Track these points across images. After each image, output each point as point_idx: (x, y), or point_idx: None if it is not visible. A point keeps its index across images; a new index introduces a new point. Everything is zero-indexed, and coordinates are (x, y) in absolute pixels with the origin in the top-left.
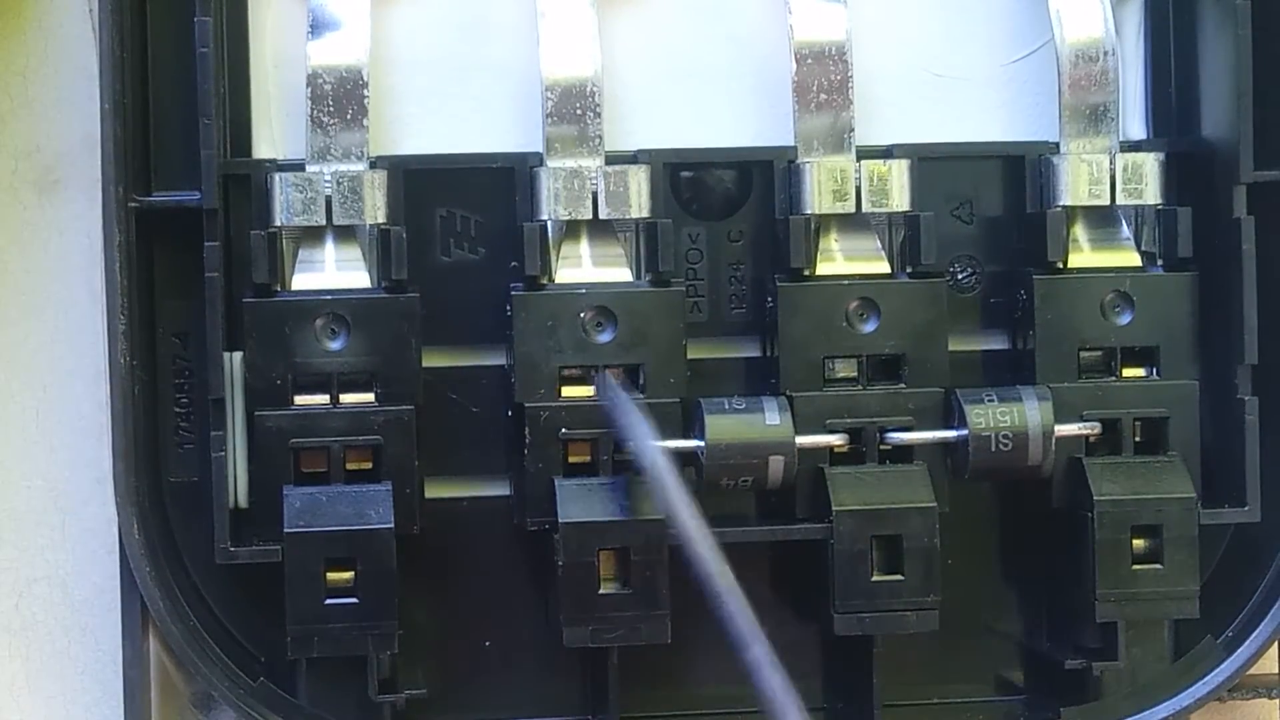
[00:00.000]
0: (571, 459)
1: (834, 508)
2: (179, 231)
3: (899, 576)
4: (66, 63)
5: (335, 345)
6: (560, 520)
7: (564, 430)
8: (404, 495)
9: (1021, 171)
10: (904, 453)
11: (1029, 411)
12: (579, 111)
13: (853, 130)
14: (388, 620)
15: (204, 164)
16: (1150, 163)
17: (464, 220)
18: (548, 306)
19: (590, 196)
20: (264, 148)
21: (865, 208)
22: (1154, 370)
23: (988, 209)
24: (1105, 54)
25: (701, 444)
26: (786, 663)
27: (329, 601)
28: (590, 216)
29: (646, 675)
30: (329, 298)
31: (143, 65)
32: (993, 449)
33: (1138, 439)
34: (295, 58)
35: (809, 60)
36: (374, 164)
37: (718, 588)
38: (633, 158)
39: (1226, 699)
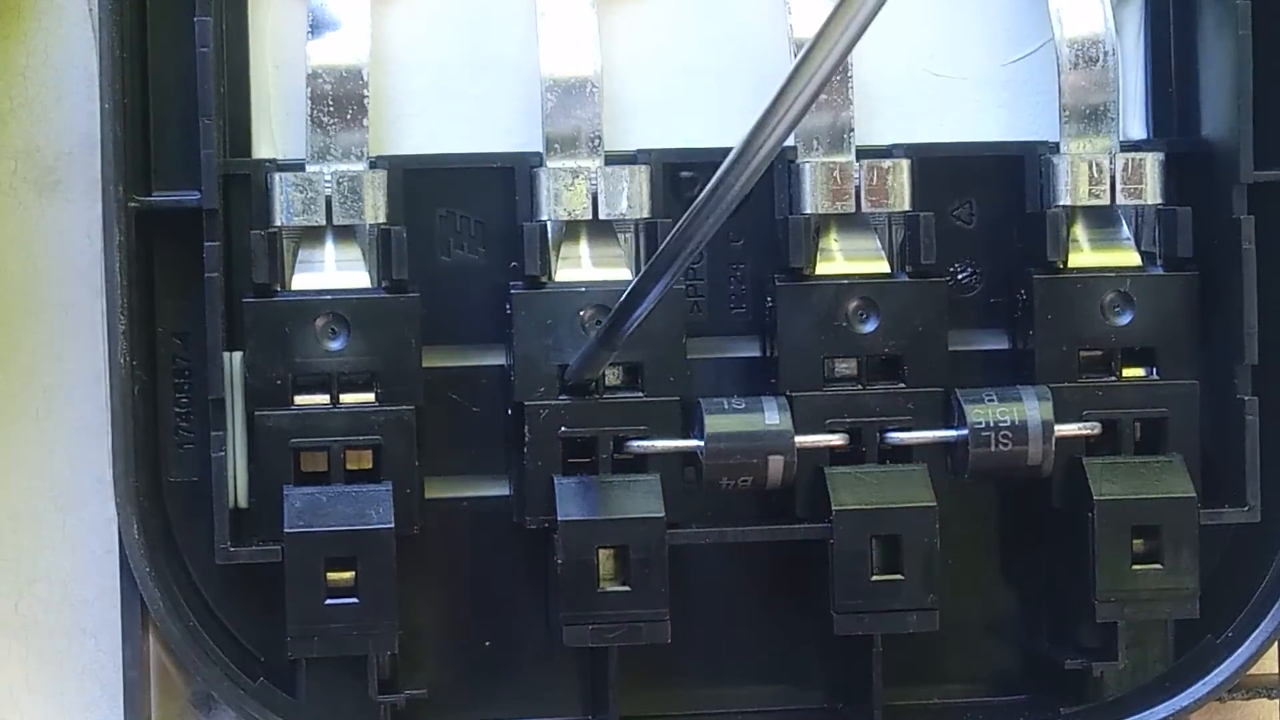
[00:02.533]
0: (571, 458)
1: (834, 507)
2: (179, 231)
3: (899, 576)
4: (66, 63)
5: (335, 345)
6: (559, 519)
7: (564, 429)
8: (404, 495)
9: (1021, 171)
10: (904, 452)
11: (1029, 411)
12: (579, 111)
13: (852, 130)
14: (388, 620)
15: (204, 164)
16: (1150, 163)
17: (464, 220)
18: (547, 305)
19: (590, 196)
20: (264, 148)
21: (865, 208)
22: (1154, 370)
23: (988, 209)
24: (1105, 54)
25: (701, 444)
26: (787, 663)
27: (329, 601)
28: (590, 216)
29: (646, 675)
30: (329, 298)
31: (143, 65)
32: (993, 448)
33: (1138, 439)
34: (295, 58)
35: None
36: (374, 164)
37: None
38: (633, 158)
39: (1226, 699)
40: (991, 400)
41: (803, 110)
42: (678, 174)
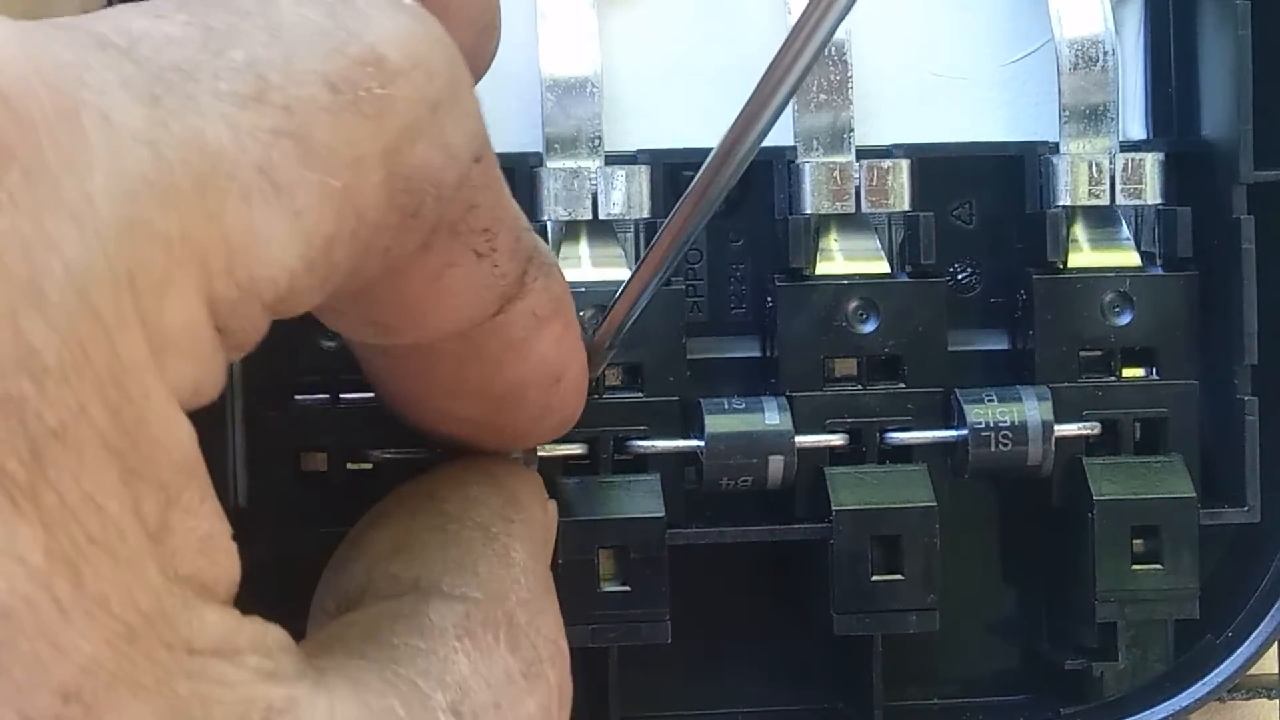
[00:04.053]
0: (571, 458)
1: (834, 507)
2: None
3: (899, 576)
4: None
5: (336, 344)
6: (559, 519)
7: None
8: None
9: (1021, 171)
10: (904, 452)
11: (1029, 411)
12: (579, 111)
13: (852, 130)
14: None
15: None
16: (1150, 163)
17: None
18: None
19: (590, 196)
20: None
21: (865, 208)
22: (1154, 370)
23: (988, 209)
24: (1105, 54)
25: (701, 444)
26: (787, 663)
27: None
28: (590, 216)
29: (646, 675)
30: None
31: None
32: (992, 449)
33: (1137, 439)
34: None
35: None
36: None
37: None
38: (633, 158)
39: (1226, 699)
40: (991, 400)
41: (784, 101)
42: (678, 174)
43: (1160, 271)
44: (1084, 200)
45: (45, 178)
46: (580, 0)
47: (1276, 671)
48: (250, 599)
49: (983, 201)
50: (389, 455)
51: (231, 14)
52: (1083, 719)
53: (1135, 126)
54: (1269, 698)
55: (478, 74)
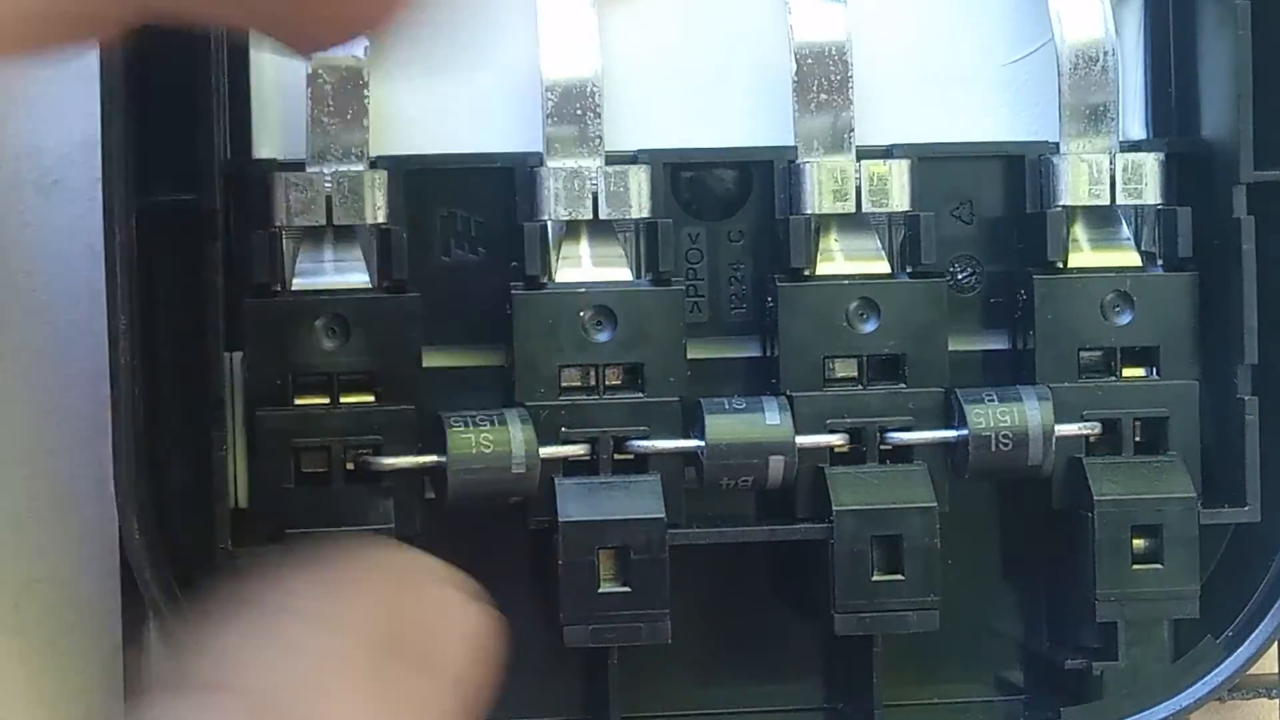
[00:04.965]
0: (571, 458)
1: (834, 508)
2: (179, 231)
3: (899, 576)
4: (67, 62)
5: (335, 345)
6: (560, 519)
7: (564, 430)
8: (404, 496)
9: (1021, 171)
10: (904, 453)
11: (1029, 411)
12: (579, 111)
13: (853, 130)
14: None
15: (204, 164)
16: (1150, 163)
17: (464, 220)
18: (548, 306)
19: (590, 196)
20: (264, 148)
21: (865, 208)
22: (1154, 370)
23: (988, 209)
24: (1105, 54)
25: (702, 444)
26: (787, 663)
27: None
28: (590, 216)
29: (646, 675)
30: (329, 298)
31: (143, 64)
32: (993, 449)
33: (1138, 439)
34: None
35: (809, 60)
36: (374, 164)
37: None
38: (633, 158)
39: (1226, 699)
40: (992, 401)
41: None
42: (678, 174)
43: (1160, 271)
44: (1084, 200)
45: None
46: (580, 0)
47: (1276, 671)
48: None
49: (983, 201)
50: (389, 465)
51: None
52: (1083, 719)
53: (1135, 126)
54: (1269, 698)
55: None
